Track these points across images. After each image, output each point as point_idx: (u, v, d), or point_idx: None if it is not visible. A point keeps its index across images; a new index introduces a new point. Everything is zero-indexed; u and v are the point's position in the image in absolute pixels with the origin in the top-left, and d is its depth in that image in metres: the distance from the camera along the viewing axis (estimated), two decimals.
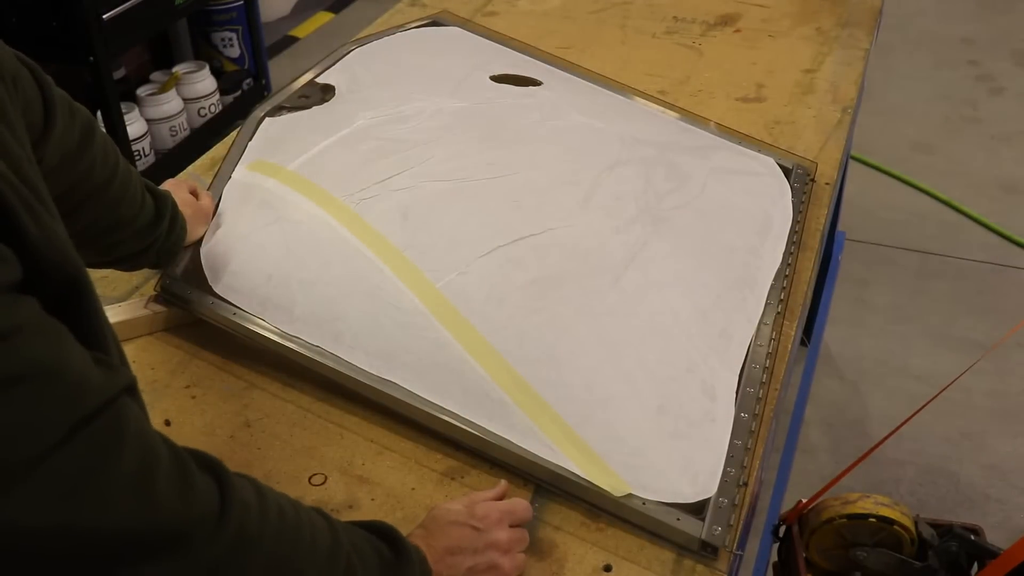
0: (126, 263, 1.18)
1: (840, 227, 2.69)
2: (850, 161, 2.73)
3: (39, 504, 0.56)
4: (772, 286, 1.27)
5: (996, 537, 1.64)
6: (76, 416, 0.59)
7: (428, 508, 0.94)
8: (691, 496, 0.99)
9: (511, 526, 0.93)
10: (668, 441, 1.03)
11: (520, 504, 0.95)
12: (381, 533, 0.83)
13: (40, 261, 0.62)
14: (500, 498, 0.97)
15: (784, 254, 1.32)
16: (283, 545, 0.71)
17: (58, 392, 0.59)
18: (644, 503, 0.98)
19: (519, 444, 1.02)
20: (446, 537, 0.89)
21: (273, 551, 0.69)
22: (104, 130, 1.01)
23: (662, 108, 1.64)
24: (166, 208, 1.17)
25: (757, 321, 1.21)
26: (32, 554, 0.57)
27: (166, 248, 1.19)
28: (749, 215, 1.38)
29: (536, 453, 1.01)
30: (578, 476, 0.99)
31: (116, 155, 1.08)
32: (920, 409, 1.67)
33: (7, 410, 0.56)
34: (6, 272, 0.59)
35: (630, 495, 0.98)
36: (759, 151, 1.54)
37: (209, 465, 0.68)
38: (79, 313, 0.66)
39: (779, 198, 1.43)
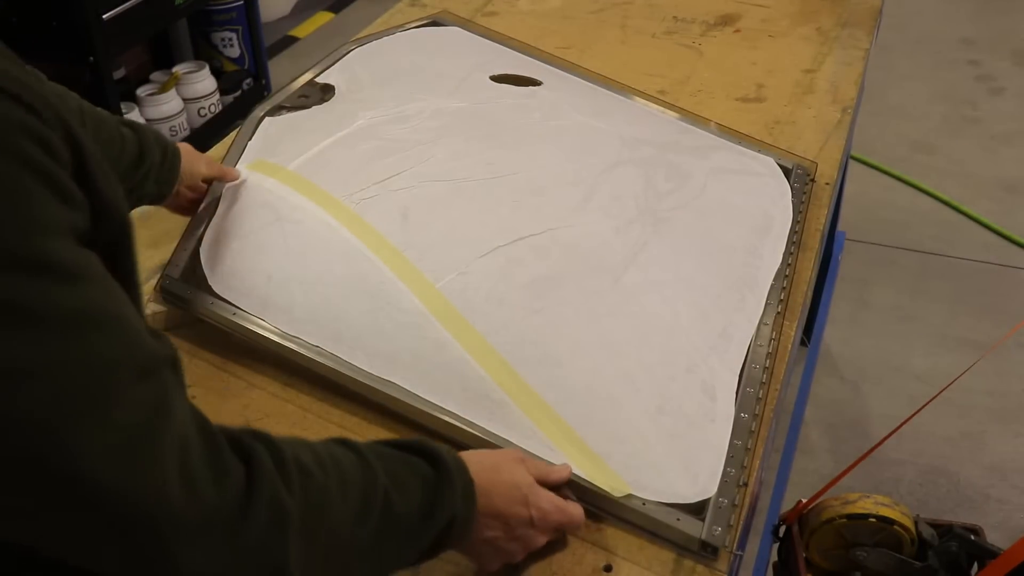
0: (128, 198, 1.17)
1: (840, 227, 2.69)
2: (850, 161, 2.73)
3: (103, 453, 0.56)
4: (772, 286, 1.27)
5: (996, 537, 1.64)
6: (137, 367, 0.59)
7: None
8: (691, 496, 0.99)
9: None
10: (668, 441, 1.03)
11: (577, 516, 0.93)
12: (422, 451, 0.81)
13: (102, 206, 0.63)
14: (563, 481, 0.95)
15: (784, 254, 1.32)
16: (312, 512, 0.70)
17: (123, 339, 0.59)
18: (644, 503, 0.97)
19: (519, 444, 1.02)
20: (503, 501, 0.86)
21: (304, 523, 0.68)
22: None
23: (662, 108, 1.64)
24: (148, 136, 1.16)
25: (757, 321, 1.21)
26: (77, 519, 0.57)
27: (163, 176, 1.18)
28: (749, 215, 1.38)
29: (536, 453, 1.01)
30: (578, 476, 0.99)
31: (76, 99, 1.06)
32: (920, 409, 1.67)
33: (73, 349, 0.56)
34: (78, 219, 0.60)
35: (630, 495, 0.98)
36: (759, 151, 1.54)
37: (239, 445, 0.67)
38: (125, 260, 0.67)
39: (779, 198, 1.43)
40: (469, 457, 0.86)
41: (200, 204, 1.29)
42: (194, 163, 1.25)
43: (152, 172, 1.16)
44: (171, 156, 1.20)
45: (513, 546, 0.89)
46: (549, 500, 0.91)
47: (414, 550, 0.80)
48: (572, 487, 0.98)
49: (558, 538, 0.95)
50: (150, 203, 1.23)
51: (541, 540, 0.91)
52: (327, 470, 0.73)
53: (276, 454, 0.70)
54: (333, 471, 0.73)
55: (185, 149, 1.24)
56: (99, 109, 1.11)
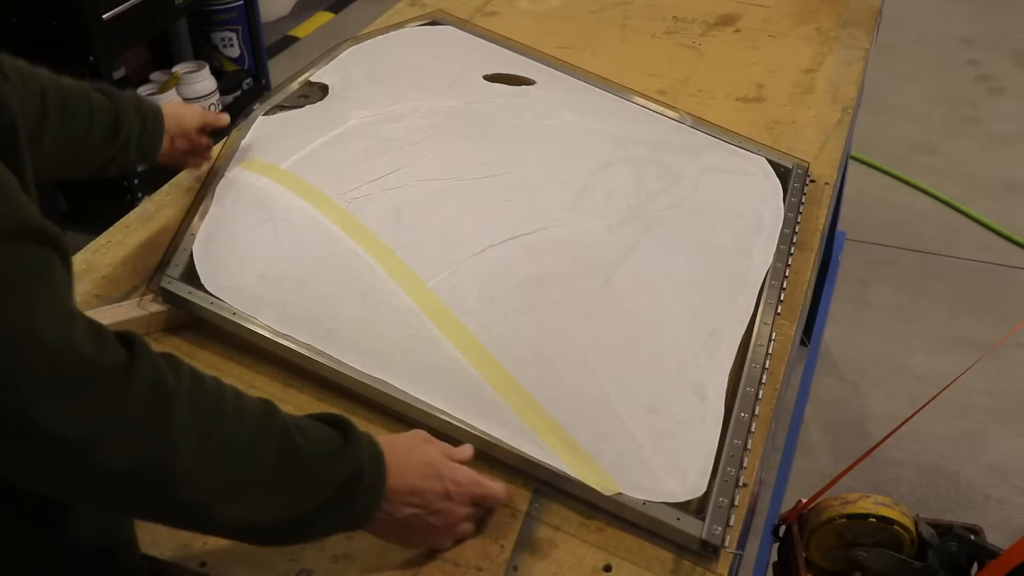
0: (113, 165, 1.18)
1: (840, 227, 2.69)
2: (850, 161, 2.73)
3: None
4: (772, 285, 1.26)
5: (996, 537, 1.64)
6: (14, 225, 0.61)
7: None
8: (680, 496, 0.98)
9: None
10: (658, 440, 1.03)
11: (497, 494, 0.95)
12: (331, 421, 0.84)
13: None
14: (467, 460, 0.96)
15: (775, 254, 1.32)
16: (201, 406, 0.72)
17: (3, 202, 0.61)
18: (644, 503, 0.97)
19: (509, 442, 1.01)
20: (417, 477, 0.88)
21: (192, 410, 0.70)
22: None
23: (662, 108, 1.64)
24: (126, 104, 1.16)
25: (747, 321, 1.20)
26: None
27: (144, 143, 1.19)
28: (740, 215, 1.37)
29: (526, 451, 1.01)
30: (568, 475, 0.99)
31: (33, 77, 1.06)
32: (920, 409, 1.67)
33: None
34: None
35: (620, 493, 0.97)
36: (756, 151, 1.53)
37: (124, 336, 0.69)
38: (16, 158, 0.68)
39: (770, 198, 1.43)
40: (380, 439, 0.88)
41: (192, 155, 1.32)
42: (182, 119, 1.27)
43: (132, 140, 1.17)
44: (153, 121, 1.20)
45: (435, 520, 0.90)
46: (464, 473, 0.92)
47: (320, 493, 0.79)
48: (564, 485, 0.98)
49: (480, 515, 0.96)
50: (134, 167, 1.24)
51: (462, 511, 0.92)
52: (224, 392, 0.75)
53: (168, 356, 0.72)
54: (231, 396, 0.76)
55: (170, 107, 1.26)
56: (68, 83, 1.10)
